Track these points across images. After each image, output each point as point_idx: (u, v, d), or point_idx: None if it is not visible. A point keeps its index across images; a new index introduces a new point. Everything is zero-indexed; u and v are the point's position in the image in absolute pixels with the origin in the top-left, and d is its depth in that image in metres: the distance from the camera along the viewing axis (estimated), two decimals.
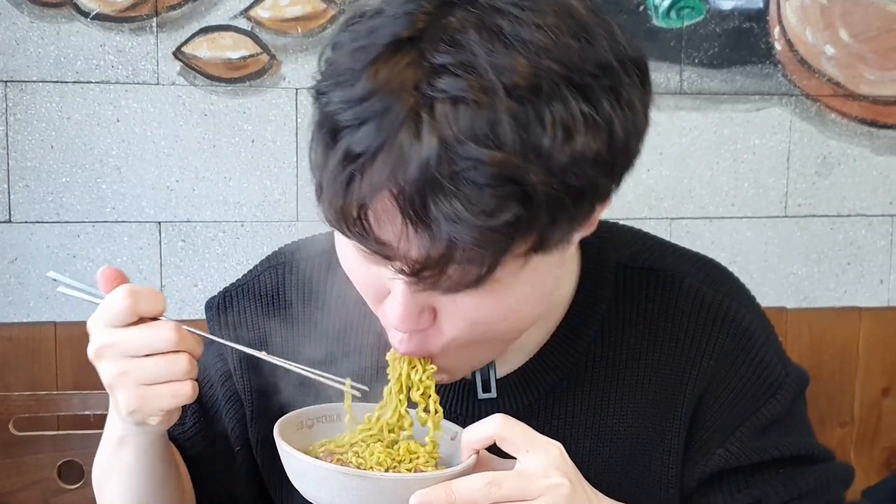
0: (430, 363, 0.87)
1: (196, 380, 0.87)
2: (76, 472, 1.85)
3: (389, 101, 0.72)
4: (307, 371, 0.89)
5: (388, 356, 0.88)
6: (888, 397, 2.18)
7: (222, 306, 1.07)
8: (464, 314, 0.81)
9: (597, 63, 0.76)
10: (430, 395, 0.87)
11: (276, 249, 1.10)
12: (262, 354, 0.90)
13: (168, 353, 0.84)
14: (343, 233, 0.77)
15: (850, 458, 2.17)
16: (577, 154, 0.73)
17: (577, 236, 0.84)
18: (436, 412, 0.87)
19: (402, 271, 0.76)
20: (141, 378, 0.84)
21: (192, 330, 0.87)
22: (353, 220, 0.74)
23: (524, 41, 0.73)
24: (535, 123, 0.72)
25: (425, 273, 0.74)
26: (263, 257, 1.10)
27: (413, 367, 0.87)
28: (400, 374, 0.87)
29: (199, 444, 1.06)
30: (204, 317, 1.09)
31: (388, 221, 0.74)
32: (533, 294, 0.82)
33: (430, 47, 0.73)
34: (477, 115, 0.71)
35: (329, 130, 0.75)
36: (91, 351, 0.86)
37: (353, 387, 0.89)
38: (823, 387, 2.13)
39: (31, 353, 1.92)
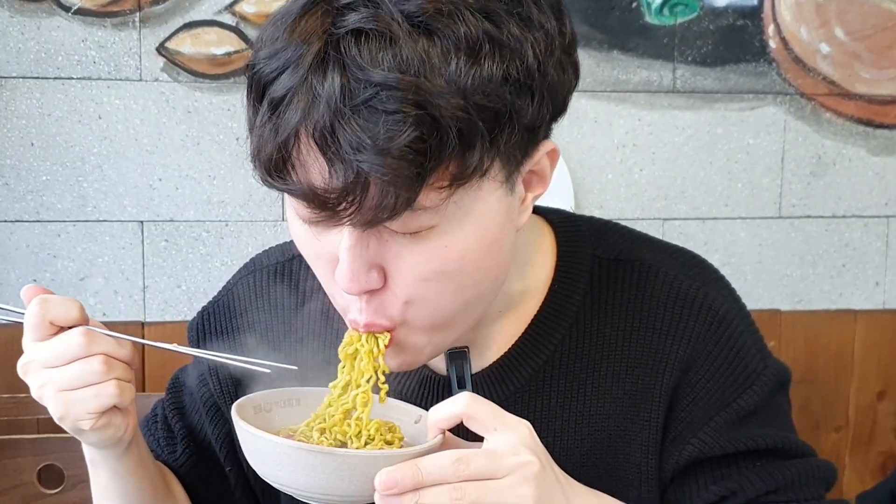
0: (388, 337, 0.86)
1: (126, 381, 0.89)
2: (56, 476, 1.82)
3: (302, 47, 0.75)
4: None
5: (341, 347, 0.87)
6: (883, 401, 2.17)
7: (201, 326, 1.09)
8: (412, 268, 0.81)
9: None
10: (379, 367, 0.86)
11: (248, 261, 1.11)
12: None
13: (83, 357, 0.86)
14: (270, 181, 0.78)
15: (845, 462, 2.16)
16: (484, 75, 0.75)
17: (518, 183, 0.85)
18: (384, 382, 0.87)
19: (311, 206, 0.77)
20: (60, 385, 0.86)
21: (110, 333, 0.89)
22: (276, 165, 0.77)
23: None
24: (438, 47, 0.74)
25: (343, 205, 0.75)
26: (238, 268, 1.11)
27: (371, 345, 0.86)
28: (356, 350, 0.87)
29: (192, 469, 1.07)
30: (186, 318, 1.08)
31: (312, 164, 0.76)
32: (477, 243, 0.82)
33: None
34: (378, 44, 0.74)
35: (256, 91, 0.79)
36: (18, 368, 0.88)
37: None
38: (818, 391, 2.13)
39: (10, 354, 1.86)
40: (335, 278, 0.82)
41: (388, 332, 0.85)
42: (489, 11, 0.76)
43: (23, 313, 0.88)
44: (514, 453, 0.79)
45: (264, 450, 0.80)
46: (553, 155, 0.87)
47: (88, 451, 0.96)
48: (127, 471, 0.97)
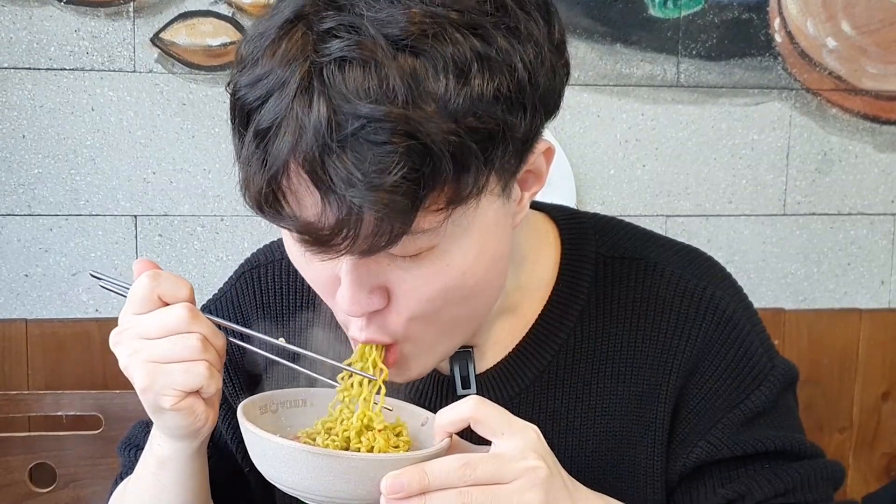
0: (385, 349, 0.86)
1: (217, 368, 0.86)
2: (48, 475, 1.82)
3: (284, 73, 0.74)
4: (331, 362, 0.88)
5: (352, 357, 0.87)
6: (888, 401, 2.16)
7: None
8: (415, 289, 0.81)
9: (487, 1, 0.76)
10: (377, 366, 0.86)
11: (248, 256, 1.10)
12: (281, 341, 0.90)
13: (182, 333, 0.84)
14: (262, 214, 0.78)
15: (849, 463, 2.15)
16: (475, 95, 0.73)
17: (514, 186, 0.84)
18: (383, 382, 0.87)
19: (306, 241, 0.76)
20: (151, 356, 0.84)
21: (212, 318, 0.87)
22: (267, 199, 0.76)
23: None
24: (425, 70, 0.72)
25: (338, 239, 0.74)
26: (237, 266, 1.10)
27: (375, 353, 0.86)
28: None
29: (211, 470, 1.05)
30: None
31: (304, 195, 0.75)
32: (477, 257, 0.82)
33: (317, 17, 0.74)
34: (363, 73, 0.72)
35: (240, 118, 0.77)
36: (111, 338, 0.86)
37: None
38: (822, 391, 2.12)
39: (1, 351, 1.88)
40: (337, 300, 0.82)
41: (390, 345, 0.85)
42: (475, 26, 0.75)
43: (128, 287, 0.86)
44: (522, 458, 0.78)
45: (269, 452, 0.79)
46: (548, 153, 0.86)
47: (160, 446, 0.92)
48: (193, 474, 0.94)
